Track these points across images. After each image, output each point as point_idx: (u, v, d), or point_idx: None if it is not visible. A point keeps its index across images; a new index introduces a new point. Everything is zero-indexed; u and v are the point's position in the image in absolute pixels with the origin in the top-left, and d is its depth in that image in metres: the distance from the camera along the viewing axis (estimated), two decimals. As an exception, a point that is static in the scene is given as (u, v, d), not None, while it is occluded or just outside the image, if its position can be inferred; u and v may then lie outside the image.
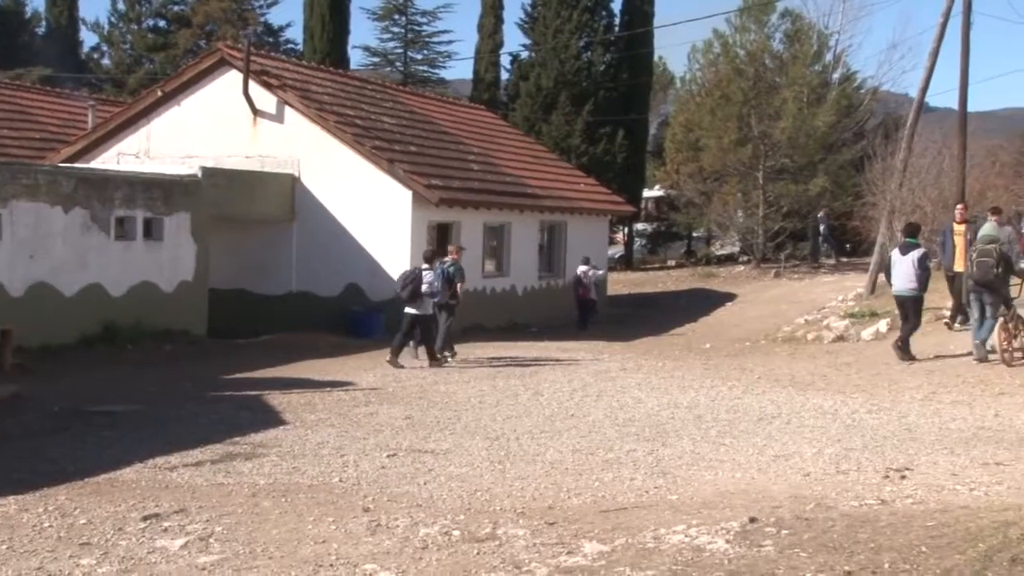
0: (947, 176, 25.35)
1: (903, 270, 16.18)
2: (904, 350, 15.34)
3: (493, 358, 18.72)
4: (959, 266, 16.90)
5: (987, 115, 36.68)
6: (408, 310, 16.53)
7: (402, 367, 16.33)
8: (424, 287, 16.62)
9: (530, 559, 7.32)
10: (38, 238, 17.80)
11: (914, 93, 25.24)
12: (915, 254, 16.23)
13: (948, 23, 22.23)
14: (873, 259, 23.60)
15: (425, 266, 16.74)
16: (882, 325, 20.17)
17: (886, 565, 6.59)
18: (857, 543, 7.24)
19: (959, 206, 17.46)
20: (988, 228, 16.96)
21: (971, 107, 25.91)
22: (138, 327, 18.91)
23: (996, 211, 19.23)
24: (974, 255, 14.99)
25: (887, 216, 23.42)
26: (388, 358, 16.47)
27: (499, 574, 7.14)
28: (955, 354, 16.83)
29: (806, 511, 8.48)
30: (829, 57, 35.77)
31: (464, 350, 19.20)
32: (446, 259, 17.51)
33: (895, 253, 16.53)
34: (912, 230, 17.55)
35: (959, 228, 18.58)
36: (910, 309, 15.69)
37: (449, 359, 16.97)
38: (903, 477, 10.18)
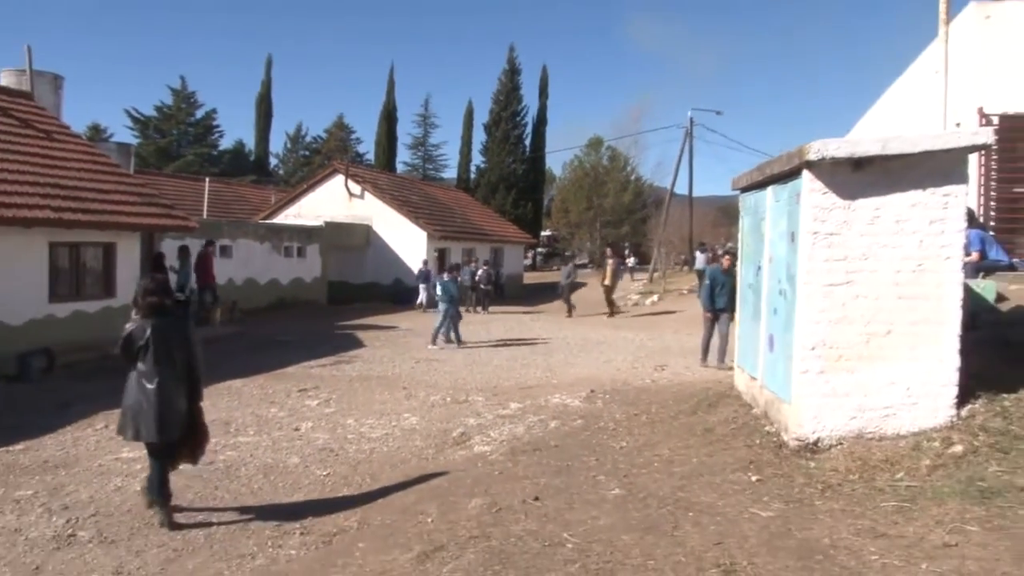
0: (684, 226, 46.69)
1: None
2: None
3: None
4: None
5: (705, 197, 60.04)
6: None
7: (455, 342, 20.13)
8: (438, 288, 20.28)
9: (484, 410, 11.47)
10: (249, 257, 28.57)
11: (668, 184, 48.28)
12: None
13: (683, 153, 42.32)
14: (651, 266, 41.97)
15: (446, 275, 20.82)
16: (655, 298, 34.43)
17: (653, 408, 10.47)
18: (640, 400, 11.25)
19: (726, 257, 15.68)
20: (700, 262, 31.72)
21: (695, 192, 50.10)
22: (295, 299, 30.73)
23: (704, 247, 35.21)
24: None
25: (657, 246, 42.02)
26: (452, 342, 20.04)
27: (469, 417, 11.05)
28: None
29: (617, 386, 12.81)
30: (629, 168, 65.47)
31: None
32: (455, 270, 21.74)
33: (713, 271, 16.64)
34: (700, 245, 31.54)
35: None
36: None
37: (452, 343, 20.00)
38: (663, 369, 15.31)
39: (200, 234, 24.41)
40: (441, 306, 20.10)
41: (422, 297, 31.54)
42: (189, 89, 68.96)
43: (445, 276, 20.59)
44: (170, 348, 6.95)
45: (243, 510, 7.46)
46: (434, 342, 19.78)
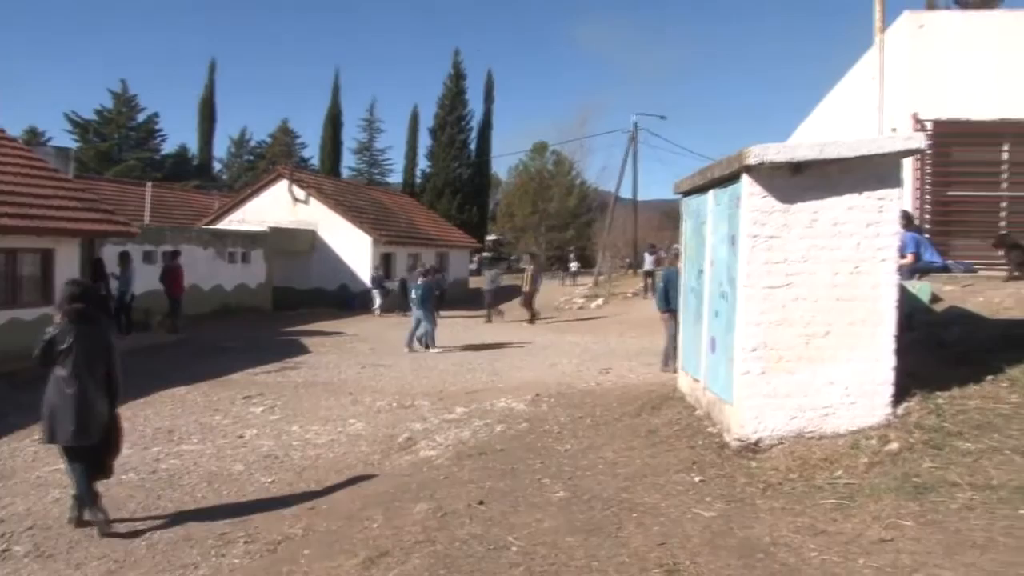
0: (629, 230, 47.13)
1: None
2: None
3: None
4: None
5: (649, 201, 60.98)
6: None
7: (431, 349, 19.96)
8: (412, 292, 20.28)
9: (430, 415, 11.53)
10: (193, 263, 26.84)
11: (612, 188, 48.47)
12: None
13: (627, 158, 42.54)
14: (596, 269, 42.10)
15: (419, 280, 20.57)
16: (600, 302, 34.61)
17: (597, 411, 10.53)
18: (585, 403, 11.37)
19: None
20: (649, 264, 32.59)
21: (640, 196, 50.30)
22: (239, 305, 30.16)
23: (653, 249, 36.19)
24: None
25: (602, 250, 42.29)
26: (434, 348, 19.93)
27: (415, 422, 11.08)
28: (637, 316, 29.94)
29: (562, 390, 12.91)
30: (574, 172, 66.20)
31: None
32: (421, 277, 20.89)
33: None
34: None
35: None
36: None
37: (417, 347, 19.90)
38: (608, 372, 15.12)
39: (141, 240, 24.03)
40: (415, 310, 20.13)
41: (378, 302, 31.64)
42: (130, 92, 67.97)
43: (420, 280, 20.53)
44: (91, 354, 6.96)
45: (186, 519, 7.36)
46: (409, 345, 19.75)
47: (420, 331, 20.10)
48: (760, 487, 6.65)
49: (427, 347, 19.88)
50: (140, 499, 7.99)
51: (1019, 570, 4.80)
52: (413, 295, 20.29)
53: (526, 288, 29.58)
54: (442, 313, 30.80)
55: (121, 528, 7.09)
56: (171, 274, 23.29)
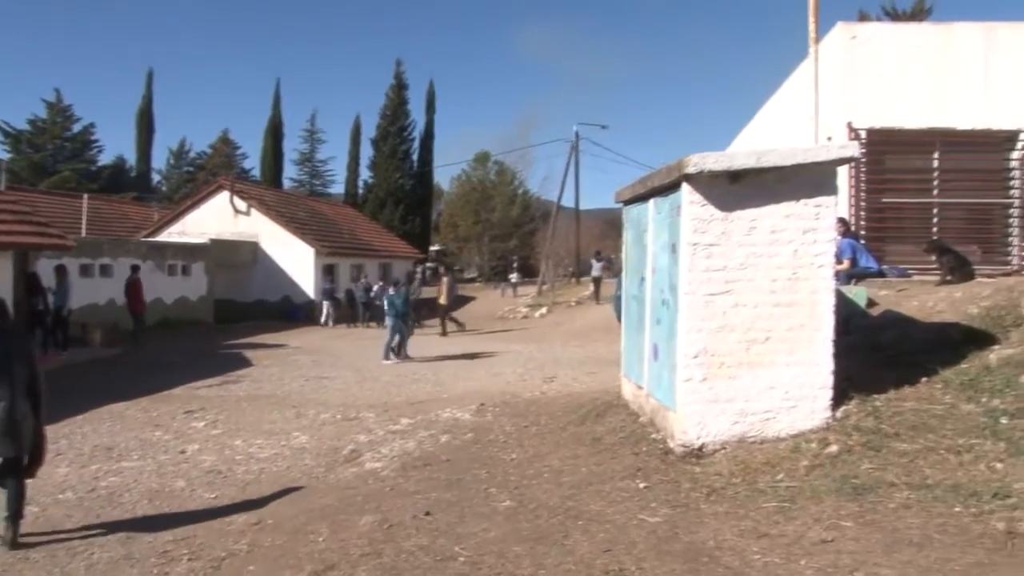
0: (571, 239, 47.38)
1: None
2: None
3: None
4: None
5: (591, 210, 61.30)
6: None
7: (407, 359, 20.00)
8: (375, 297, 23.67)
9: (375, 427, 11.46)
10: None
11: (555, 198, 48.04)
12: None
13: (569, 167, 42.79)
14: (539, 278, 42.26)
15: (391, 289, 20.91)
16: (544, 311, 34.91)
17: (542, 420, 10.59)
18: (529, 411, 11.39)
19: None
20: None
21: (582, 205, 50.44)
22: (180, 319, 30.10)
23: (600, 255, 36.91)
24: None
25: (545, 259, 42.42)
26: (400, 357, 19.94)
27: (360, 434, 10.98)
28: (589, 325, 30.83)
29: (507, 399, 12.86)
30: (516, 182, 66.57)
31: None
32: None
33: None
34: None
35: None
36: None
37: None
38: (552, 380, 15.45)
39: (77, 253, 23.55)
40: (388, 320, 20.11)
41: (327, 314, 31.80)
42: (65, 102, 66.35)
43: (391, 290, 20.59)
44: (11, 365, 6.83)
45: (127, 538, 7.19)
46: (387, 357, 19.68)
47: (396, 340, 20.05)
48: (704, 492, 6.73)
49: (396, 356, 19.80)
50: (78, 518, 7.81)
51: (954, 566, 4.93)
52: (387, 305, 20.23)
53: (442, 300, 29.43)
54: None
55: (60, 549, 6.92)
56: (132, 288, 23.29)
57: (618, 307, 14.72)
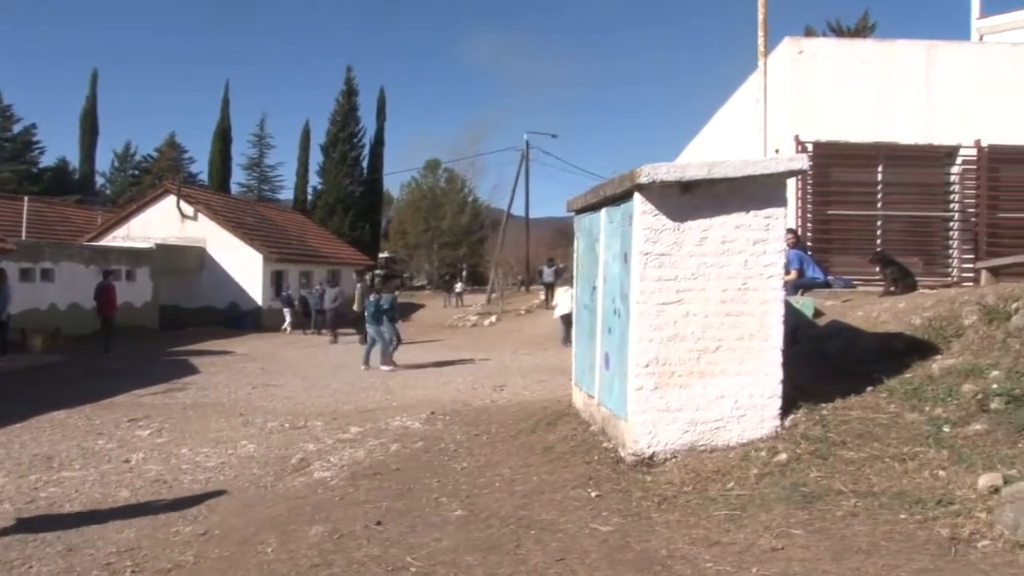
0: (521, 248, 48.09)
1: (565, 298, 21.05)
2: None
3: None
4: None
5: (541, 219, 61.52)
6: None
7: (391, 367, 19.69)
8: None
9: (324, 435, 11.40)
10: (74, 281, 27.67)
11: (505, 206, 48.27)
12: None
13: (519, 176, 42.89)
14: (489, 286, 42.25)
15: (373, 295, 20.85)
16: (493, 319, 35.17)
17: (493, 428, 10.63)
18: (480, 420, 11.40)
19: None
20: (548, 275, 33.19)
21: (532, 214, 51.07)
22: (124, 325, 28.02)
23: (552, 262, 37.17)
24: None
25: (495, 267, 42.46)
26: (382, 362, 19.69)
27: (308, 442, 10.97)
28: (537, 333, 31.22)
29: (457, 407, 12.98)
30: (466, 189, 67.02)
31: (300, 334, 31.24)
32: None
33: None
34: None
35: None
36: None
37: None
38: (502, 389, 15.56)
39: (17, 256, 23.06)
40: (370, 328, 19.97)
41: (288, 321, 31.95)
42: (5, 102, 65.00)
43: (373, 297, 20.49)
44: None
45: (68, 550, 7.01)
46: (383, 364, 19.50)
47: (378, 347, 19.85)
48: (655, 501, 6.76)
49: (383, 363, 19.52)
50: (16, 531, 7.58)
51: (900, 572, 5.00)
52: (372, 310, 19.98)
53: (356, 307, 28.83)
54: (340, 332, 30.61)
55: (-3, 562, 6.74)
56: (104, 293, 23.30)
57: (567, 330, 14.85)
